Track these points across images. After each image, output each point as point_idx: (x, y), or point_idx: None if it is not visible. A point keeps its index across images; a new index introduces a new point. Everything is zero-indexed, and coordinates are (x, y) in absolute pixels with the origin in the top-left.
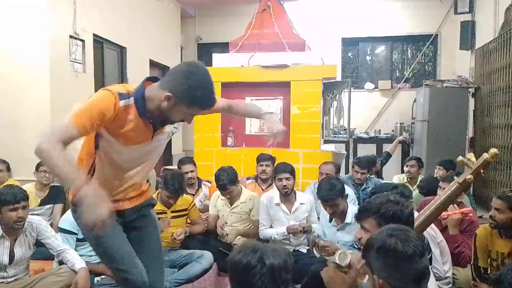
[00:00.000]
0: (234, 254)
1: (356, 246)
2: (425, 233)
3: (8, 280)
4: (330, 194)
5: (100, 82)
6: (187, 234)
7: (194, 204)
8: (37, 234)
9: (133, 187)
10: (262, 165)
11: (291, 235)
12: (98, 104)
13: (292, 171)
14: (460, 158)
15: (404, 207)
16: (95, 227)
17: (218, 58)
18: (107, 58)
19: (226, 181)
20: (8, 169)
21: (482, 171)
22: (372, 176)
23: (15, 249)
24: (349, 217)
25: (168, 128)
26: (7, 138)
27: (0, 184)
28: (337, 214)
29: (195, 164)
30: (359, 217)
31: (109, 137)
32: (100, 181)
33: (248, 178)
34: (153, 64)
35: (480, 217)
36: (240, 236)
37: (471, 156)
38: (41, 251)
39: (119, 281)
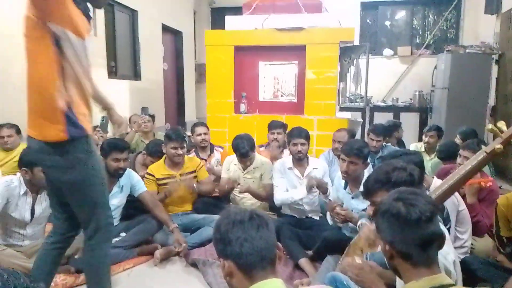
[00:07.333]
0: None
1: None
2: (447, 201)
3: (25, 243)
4: (352, 149)
5: (111, 46)
6: (195, 191)
7: (203, 165)
8: None
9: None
10: (274, 133)
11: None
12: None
13: (307, 137)
14: (490, 126)
15: (412, 171)
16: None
17: (230, 21)
18: (118, 21)
19: (248, 148)
20: (18, 132)
21: None
22: (388, 144)
23: (35, 206)
24: None
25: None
26: (14, 100)
27: (12, 149)
28: (351, 178)
29: (208, 128)
30: (368, 193)
31: (65, 31)
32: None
33: (260, 146)
34: (165, 28)
35: (500, 187)
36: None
37: (502, 124)
38: None
39: (99, 228)
